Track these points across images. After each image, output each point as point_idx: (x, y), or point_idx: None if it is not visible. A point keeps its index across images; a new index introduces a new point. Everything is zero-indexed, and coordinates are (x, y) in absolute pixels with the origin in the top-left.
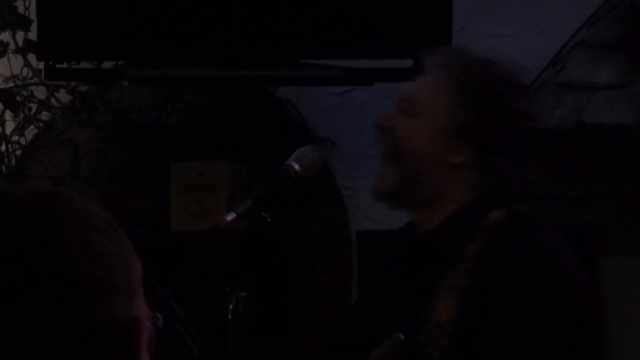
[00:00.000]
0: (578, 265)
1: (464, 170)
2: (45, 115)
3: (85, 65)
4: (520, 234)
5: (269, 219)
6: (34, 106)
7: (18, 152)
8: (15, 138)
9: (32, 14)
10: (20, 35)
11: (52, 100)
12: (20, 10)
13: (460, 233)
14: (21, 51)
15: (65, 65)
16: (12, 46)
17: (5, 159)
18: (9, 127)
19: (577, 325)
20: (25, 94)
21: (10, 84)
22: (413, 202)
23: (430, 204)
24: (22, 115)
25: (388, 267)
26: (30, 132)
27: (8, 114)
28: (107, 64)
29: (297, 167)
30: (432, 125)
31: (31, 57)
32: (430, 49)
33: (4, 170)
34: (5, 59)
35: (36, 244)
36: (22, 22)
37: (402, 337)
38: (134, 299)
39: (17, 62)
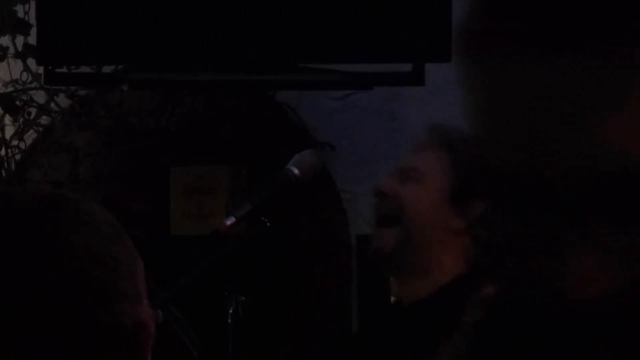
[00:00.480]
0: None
1: (460, 237)
2: (44, 120)
3: (84, 69)
4: (519, 306)
5: (268, 224)
6: (33, 110)
7: (18, 157)
8: (15, 142)
9: (32, 19)
10: (19, 40)
11: (52, 104)
12: (20, 14)
13: (455, 303)
14: (21, 55)
15: (64, 69)
16: (11, 50)
17: (5, 164)
18: (9, 131)
19: None
20: (25, 98)
21: (10, 89)
22: (408, 267)
23: (423, 273)
24: (21, 119)
25: (372, 343)
26: (30, 136)
27: (8, 119)
28: (107, 68)
29: (296, 171)
30: (437, 191)
31: (31, 62)
32: (428, 128)
33: (4, 174)
34: (4, 64)
35: (41, 250)
36: (22, 27)
37: None
38: (140, 304)
39: (16, 66)
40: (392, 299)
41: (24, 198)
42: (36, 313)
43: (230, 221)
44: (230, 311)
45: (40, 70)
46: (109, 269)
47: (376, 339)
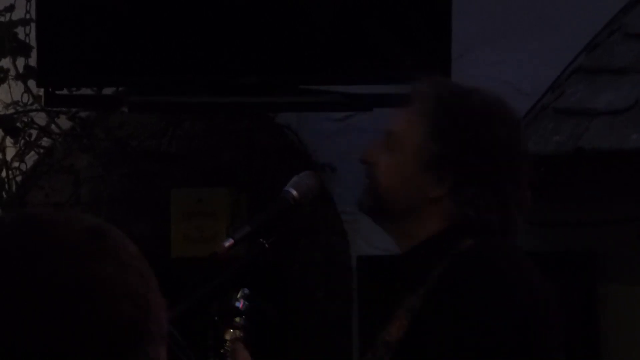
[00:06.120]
0: (530, 295)
1: (441, 203)
2: (45, 141)
3: (85, 91)
4: (474, 261)
5: (266, 245)
6: (34, 132)
7: (19, 178)
8: (16, 164)
9: (33, 41)
10: (20, 62)
11: (53, 126)
12: (21, 36)
13: (426, 259)
14: (21, 77)
15: (65, 91)
16: (12, 72)
17: (6, 185)
18: (10, 153)
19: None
20: (26, 120)
21: (11, 110)
22: (393, 231)
23: (406, 229)
24: (22, 141)
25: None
26: (31, 158)
27: (8, 140)
28: (107, 90)
29: (294, 193)
30: (411, 160)
31: (31, 84)
32: (417, 80)
33: (5, 196)
34: (5, 85)
35: (84, 290)
36: (23, 49)
37: None
38: (163, 345)
39: (17, 88)
40: None
41: (66, 231)
42: (74, 354)
43: (228, 243)
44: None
45: (41, 92)
46: (142, 311)
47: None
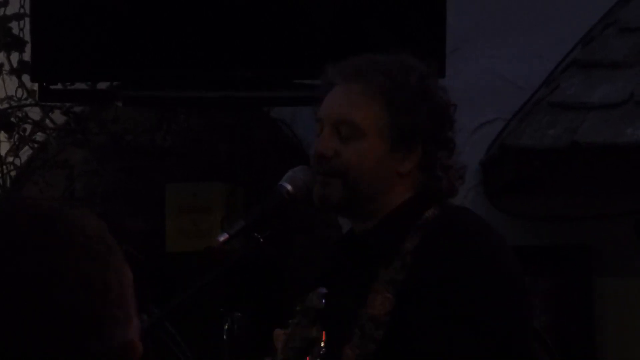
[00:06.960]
0: (508, 253)
1: (409, 175)
2: (39, 136)
3: (79, 86)
4: (450, 228)
5: (261, 239)
6: (28, 127)
7: (13, 173)
8: (10, 159)
9: (27, 35)
10: (14, 56)
11: (47, 121)
12: (15, 31)
13: (395, 232)
14: (16, 72)
15: (59, 86)
16: (6, 67)
17: (0, 180)
18: (4, 148)
19: (503, 311)
20: (20, 114)
21: (5, 105)
22: (359, 215)
23: (374, 214)
24: (16, 136)
25: (330, 273)
26: (25, 153)
27: (3, 135)
28: (102, 85)
29: (289, 187)
30: (379, 142)
31: (26, 78)
32: (336, 62)
33: None
34: None
35: (33, 278)
36: (17, 43)
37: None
38: (129, 324)
39: (11, 83)
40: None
41: (16, 219)
42: (26, 343)
43: (222, 237)
44: (226, 327)
45: (35, 86)
46: (100, 295)
47: (332, 270)
